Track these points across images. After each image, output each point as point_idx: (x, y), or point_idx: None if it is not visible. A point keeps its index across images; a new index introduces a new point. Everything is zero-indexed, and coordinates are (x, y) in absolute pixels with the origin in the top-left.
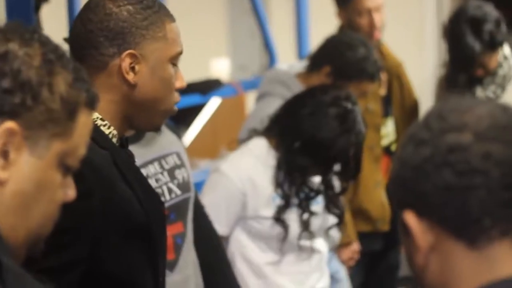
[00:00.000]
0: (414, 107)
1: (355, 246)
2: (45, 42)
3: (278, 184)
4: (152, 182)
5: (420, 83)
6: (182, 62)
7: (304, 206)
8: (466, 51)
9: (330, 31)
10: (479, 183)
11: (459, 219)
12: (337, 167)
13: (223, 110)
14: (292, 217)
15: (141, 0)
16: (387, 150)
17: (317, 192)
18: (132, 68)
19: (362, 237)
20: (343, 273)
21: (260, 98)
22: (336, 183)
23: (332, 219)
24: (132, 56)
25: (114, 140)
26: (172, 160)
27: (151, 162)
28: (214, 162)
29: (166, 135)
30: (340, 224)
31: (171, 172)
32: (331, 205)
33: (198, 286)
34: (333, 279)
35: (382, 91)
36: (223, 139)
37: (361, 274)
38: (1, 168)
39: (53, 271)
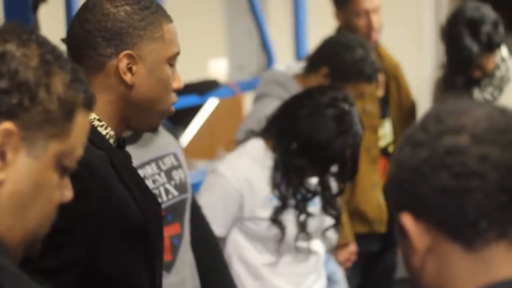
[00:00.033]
0: (411, 108)
1: (352, 248)
2: (43, 43)
3: (275, 185)
4: (149, 183)
5: (418, 84)
6: (179, 63)
7: (301, 207)
8: (463, 52)
9: (327, 32)
10: (476, 185)
11: (456, 222)
12: (334, 168)
13: (221, 111)
14: (289, 218)
15: (138, 0)
16: (384, 151)
17: (314, 193)
18: (130, 69)
19: (359, 238)
20: (340, 275)
21: (257, 99)
22: (333, 184)
23: (329, 220)
24: (129, 56)
25: (111, 140)
26: (169, 161)
27: (148, 163)
28: (211, 163)
29: (164, 136)
30: (337, 225)
31: (168, 173)
32: (328, 206)
33: (195, 287)
34: (330, 280)
35: (380, 93)
36: (220, 140)
37: (358, 276)
38: None
39: (50, 271)
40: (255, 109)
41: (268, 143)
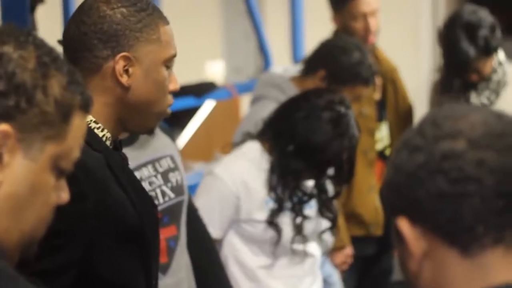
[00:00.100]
0: (408, 111)
1: (348, 250)
2: (40, 45)
3: (271, 188)
4: (145, 185)
5: (415, 87)
6: (176, 64)
7: (297, 210)
8: (460, 56)
9: (325, 35)
10: (473, 190)
11: (452, 227)
12: (330, 171)
13: (218, 113)
14: (285, 220)
15: (135, 2)
16: (381, 154)
17: (310, 196)
18: (126, 71)
19: (355, 241)
20: (336, 277)
21: (254, 101)
22: (330, 187)
23: (325, 223)
24: (126, 58)
25: (108, 142)
26: (166, 163)
27: (145, 165)
28: (208, 165)
29: (160, 138)
30: (333, 228)
31: (164, 175)
32: (324, 209)
33: None
34: (326, 283)
35: (377, 96)
36: (217, 142)
37: (354, 278)
38: None
39: (47, 273)
40: (252, 111)
41: (264, 145)
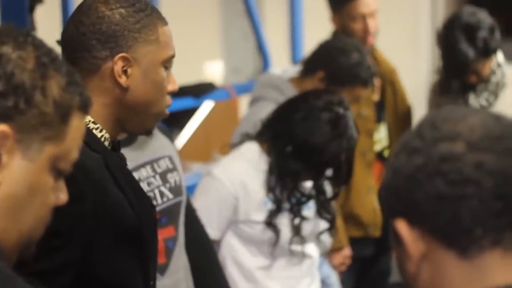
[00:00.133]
0: (407, 113)
1: (347, 251)
2: (39, 45)
3: (269, 189)
4: (144, 185)
5: (414, 88)
6: (175, 65)
7: (295, 211)
8: (459, 57)
9: (324, 36)
10: (471, 192)
11: (451, 229)
12: (329, 172)
13: (216, 114)
14: (284, 221)
15: (133, 3)
16: (379, 155)
17: (309, 197)
18: (125, 71)
19: (354, 242)
20: (334, 278)
21: (253, 102)
22: (328, 188)
23: (323, 224)
24: (124, 59)
25: (106, 143)
26: (164, 164)
27: (143, 165)
28: (206, 166)
29: (159, 139)
30: (332, 229)
31: (163, 176)
32: (322, 210)
33: None
34: (324, 284)
35: (375, 97)
36: (215, 143)
37: (352, 279)
38: None
39: (45, 274)
40: (251, 112)
41: (263, 146)
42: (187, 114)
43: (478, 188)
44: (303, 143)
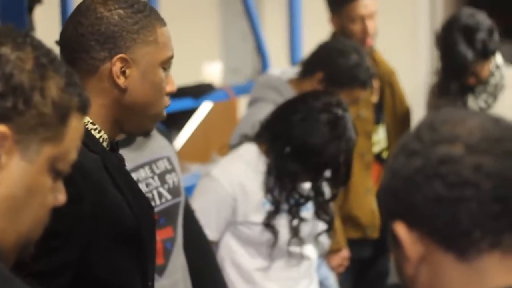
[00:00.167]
0: (406, 114)
1: (345, 253)
2: (38, 46)
3: (268, 190)
4: (142, 186)
5: (413, 90)
6: (174, 66)
7: (294, 212)
8: (458, 59)
9: (323, 37)
10: (470, 195)
11: (449, 231)
12: (327, 174)
13: (215, 115)
14: (282, 223)
15: (132, 4)
16: (378, 157)
17: (307, 198)
18: (123, 72)
19: (352, 243)
20: (332, 280)
21: (252, 103)
22: (326, 189)
23: (321, 226)
24: (123, 60)
25: (105, 144)
26: (162, 165)
27: (141, 166)
28: (205, 166)
29: (157, 140)
30: (330, 230)
31: (161, 177)
32: (320, 211)
33: None
34: (322, 285)
35: (374, 98)
36: (214, 144)
37: (350, 281)
38: None
39: (43, 275)
40: (249, 113)
41: (261, 147)
42: (186, 115)
43: (477, 191)
44: (302, 144)
